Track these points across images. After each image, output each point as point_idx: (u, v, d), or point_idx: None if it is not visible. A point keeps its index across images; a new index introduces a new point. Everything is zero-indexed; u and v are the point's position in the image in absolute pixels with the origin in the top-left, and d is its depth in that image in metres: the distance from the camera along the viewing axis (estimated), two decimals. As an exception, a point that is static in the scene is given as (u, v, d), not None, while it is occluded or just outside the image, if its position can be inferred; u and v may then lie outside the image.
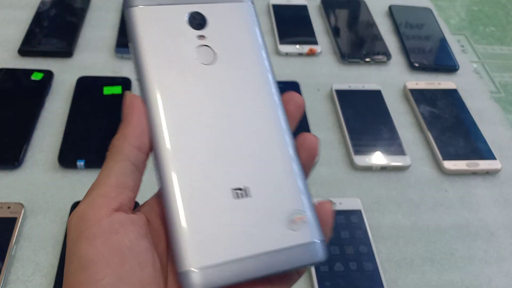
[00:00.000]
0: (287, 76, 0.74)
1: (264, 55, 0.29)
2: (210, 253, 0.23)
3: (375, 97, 0.72)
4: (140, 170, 0.26)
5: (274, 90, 0.28)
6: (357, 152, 0.63)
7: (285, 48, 0.79)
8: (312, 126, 0.67)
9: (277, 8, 0.87)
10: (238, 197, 0.25)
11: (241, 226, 0.24)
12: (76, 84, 0.68)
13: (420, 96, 0.72)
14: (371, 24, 0.86)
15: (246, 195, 0.25)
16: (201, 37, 0.28)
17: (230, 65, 0.28)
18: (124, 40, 0.76)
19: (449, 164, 0.63)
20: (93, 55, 0.75)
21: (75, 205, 0.54)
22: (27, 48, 0.73)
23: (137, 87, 0.26)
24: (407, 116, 0.71)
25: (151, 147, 0.26)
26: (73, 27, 0.78)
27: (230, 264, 0.23)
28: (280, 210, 0.25)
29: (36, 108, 0.64)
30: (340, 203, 0.57)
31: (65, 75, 0.70)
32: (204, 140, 0.26)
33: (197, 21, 0.28)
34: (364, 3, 0.91)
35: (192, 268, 0.23)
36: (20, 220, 0.52)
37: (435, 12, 0.91)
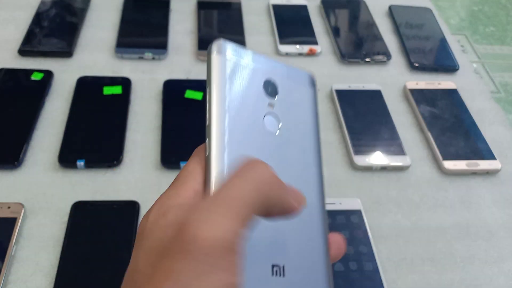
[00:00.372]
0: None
1: (318, 137, 0.31)
2: None
3: (375, 97, 0.72)
4: None
5: (322, 178, 0.29)
6: (357, 152, 0.63)
7: (285, 48, 0.79)
8: (312, 126, 0.67)
9: (277, 8, 0.87)
10: (274, 274, 0.25)
11: None
12: (76, 84, 0.68)
13: (420, 96, 0.72)
14: (371, 24, 0.86)
15: (281, 274, 0.25)
16: (271, 105, 0.29)
17: (289, 141, 0.29)
18: (124, 40, 0.76)
19: (449, 164, 0.63)
20: (93, 55, 0.75)
21: (75, 205, 0.54)
22: (27, 48, 0.73)
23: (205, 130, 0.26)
24: (407, 116, 0.71)
25: None
26: (73, 27, 0.78)
27: None
28: None
29: (36, 108, 0.64)
30: (340, 203, 0.57)
31: (65, 75, 0.70)
32: None
33: (270, 89, 0.29)
34: (364, 3, 0.91)
35: None
36: (20, 220, 0.52)
37: (435, 12, 0.91)
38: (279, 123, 0.28)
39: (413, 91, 0.73)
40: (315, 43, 0.81)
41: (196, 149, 0.27)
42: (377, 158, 0.63)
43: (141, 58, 0.75)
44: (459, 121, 0.69)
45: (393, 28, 0.87)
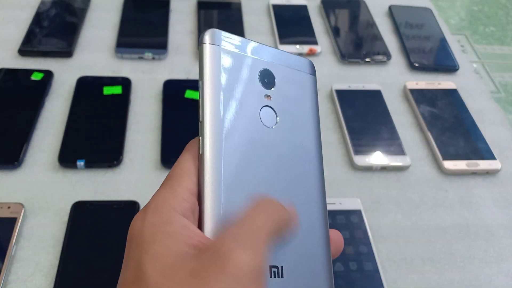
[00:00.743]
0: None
1: (318, 130, 0.29)
2: None
3: (375, 97, 0.72)
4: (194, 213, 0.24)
5: (322, 171, 0.28)
6: (357, 152, 0.63)
7: (285, 48, 0.78)
8: (312, 126, 0.67)
9: (277, 8, 0.87)
10: (272, 275, 0.24)
11: None
12: (76, 84, 0.68)
13: (420, 96, 0.72)
14: (371, 24, 0.86)
15: (279, 275, 0.24)
16: (268, 96, 0.27)
17: (287, 134, 0.27)
18: (124, 40, 0.76)
19: (449, 164, 0.63)
20: (93, 55, 0.75)
21: (75, 205, 0.54)
22: (27, 48, 0.73)
23: (198, 126, 0.25)
24: (407, 116, 0.71)
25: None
26: (73, 27, 0.78)
27: None
28: None
29: (36, 108, 0.64)
30: (340, 203, 0.57)
31: (65, 75, 0.70)
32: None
33: (267, 79, 0.28)
34: (364, 3, 0.91)
35: None
36: (20, 220, 0.52)
37: (435, 12, 0.91)
38: (277, 116, 0.27)
39: (413, 91, 0.73)
40: (315, 43, 0.81)
41: (189, 143, 0.26)
42: (377, 158, 0.63)
43: (141, 58, 0.75)
44: (459, 121, 0.69)
45: (393, 28, 0.87)
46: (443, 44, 0.83)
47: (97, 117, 0.64)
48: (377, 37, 0.83)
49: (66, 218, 0.53)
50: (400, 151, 0.64)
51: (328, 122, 0.68)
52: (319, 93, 0.73)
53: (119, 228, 0.52)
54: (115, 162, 0.59)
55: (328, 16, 0.87)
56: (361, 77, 0.76)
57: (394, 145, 0.65)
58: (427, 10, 0.91)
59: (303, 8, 0.88)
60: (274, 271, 0.24)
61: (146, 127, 0.64)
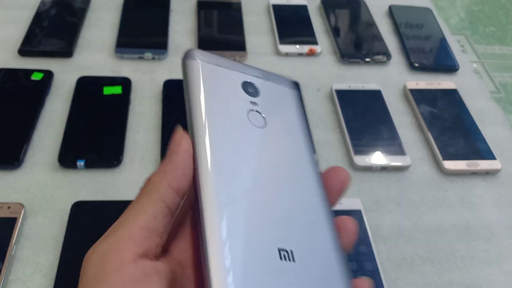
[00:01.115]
0: (287, 76, 0.74)
1: (307, 130, 0.30)
2: None
3: (375, 97, 0.72)
4: (172, 214, 0.24)
5: (316, 164, 0.30)
6: (357, 152, 0.63)
7: (285, 48, 0.79)
8: (312, 126, 0.67)
9: (277, 8, 0.87)
10: (283, 258, 0.24)
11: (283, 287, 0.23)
12: (76, 84, 0.68)
13: (420, 96, 0.72)
14: (371, 24, 0.86)
15: (290, 259, 0.24)
16: (253, 103, 0.28)
17: (278, 133, 0.28)
18: (124, 40, 0.76)
19: (449, 164, 0.63)
20: (93, 55, 0.75)
21: (75, 205, 0.54)
22: (27, 48, 0.73)
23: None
24: (407, 116, 0.71)
25: (185, 192, 0.25)
26: (73, 27, 0.78)
27: None
28: (318, 283, 0.25)
29: (36, 108, 0.64)
30: (340, 203, 0.57)
31: (65, 75, 0.70)
32: (251, 196, 0.25)
33: (251, 90, 0.29)
34: (364, 3, 0.91)
35: None
36: (20, 220, 0.52)
37: (435, 12, 0.91)
38: (265, 120, 0.28)
39: (413, 91, 0.73)
40: (315, 43, 0.81)
41: (147, 181, 0.25)
42: (377, 158, 0.63)
43: (141, 58, 0.75)
44: (459, 121, 0.69)
45: (393, 28, 0.87)
46: (443, 44, 0.83)
47: (97, 117, 0.64)
48: (377, 37, 0.83)
49: (66, 218, 0.53)
50: (400, 151, 0.64)
51: (328, 122, 0.68)
52: (319, 93, 0.73)
53: (119, 228, 0.52)
54: (115, 162, 0.59)
55: (328, 16, 0.87)
56: (361, 77, 0.76)
57: (394, 145, 0.65)
58: (427, 10, 0.91)
59: (303, 8, 0.88)
60: (284, 255, 0.24)
61: (146, 127, 0.65)
